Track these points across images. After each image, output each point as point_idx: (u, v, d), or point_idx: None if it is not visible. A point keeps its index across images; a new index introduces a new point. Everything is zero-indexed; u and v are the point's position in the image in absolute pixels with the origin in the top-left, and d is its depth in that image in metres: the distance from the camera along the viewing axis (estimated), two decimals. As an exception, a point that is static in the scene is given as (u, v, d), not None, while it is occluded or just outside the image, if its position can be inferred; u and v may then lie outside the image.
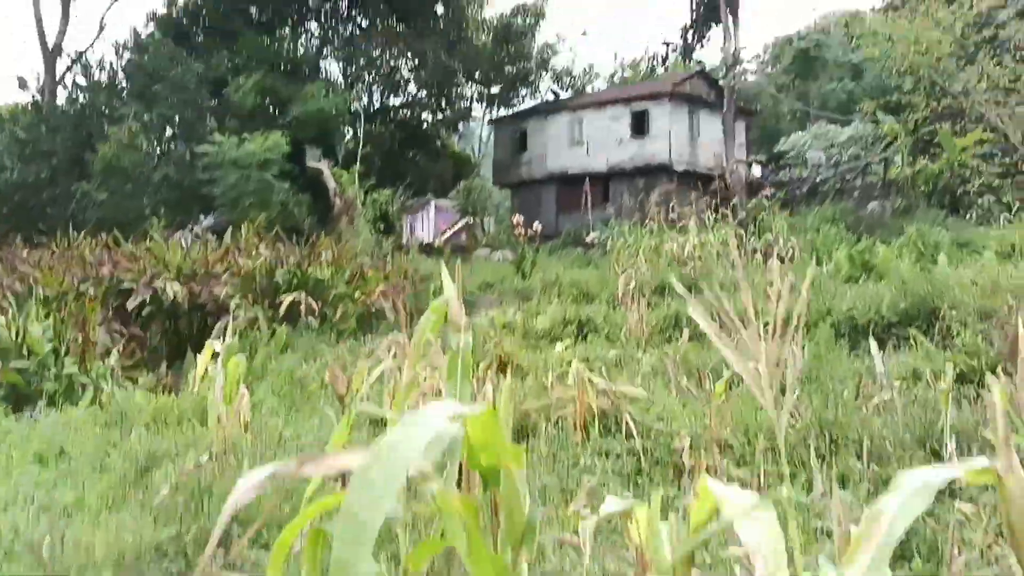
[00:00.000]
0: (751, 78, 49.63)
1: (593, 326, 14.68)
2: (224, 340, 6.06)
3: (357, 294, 14.20)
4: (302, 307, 13.48)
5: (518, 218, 20.91)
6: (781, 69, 43.16)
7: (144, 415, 8.86)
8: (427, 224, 52.33)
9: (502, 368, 12.76)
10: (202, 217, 30.17)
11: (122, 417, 8.81)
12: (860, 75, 33.92)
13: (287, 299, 13.44)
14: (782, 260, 19.89)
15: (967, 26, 13.67)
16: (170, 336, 13.48)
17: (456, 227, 49.54)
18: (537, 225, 21.09)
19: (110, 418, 8.82)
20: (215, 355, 6.29)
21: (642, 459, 7.07)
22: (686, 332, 14.20)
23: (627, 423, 7.53)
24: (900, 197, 29.59)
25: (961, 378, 9.03)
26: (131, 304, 12.50)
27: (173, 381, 11.52)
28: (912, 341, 11.62)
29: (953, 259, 19.50)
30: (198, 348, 6.70)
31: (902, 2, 14.44)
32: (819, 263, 20.88)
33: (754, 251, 20.26)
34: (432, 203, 50.29)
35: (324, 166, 21.88)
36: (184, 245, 16.48)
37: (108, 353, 10.85)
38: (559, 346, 12.71)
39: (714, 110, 35.20)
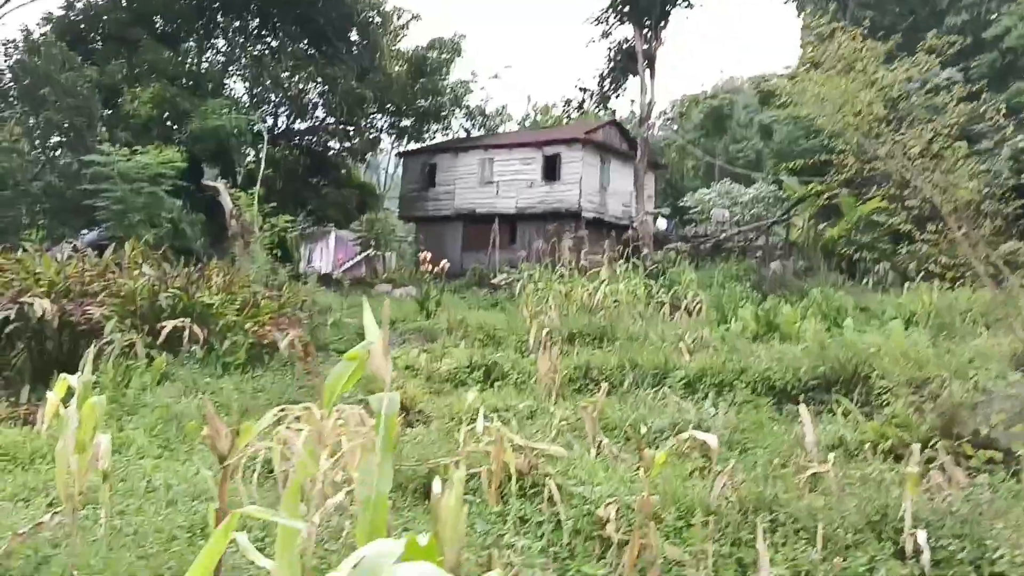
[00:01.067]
0: (659, 132, 50.46)
1: (501, 372, 13.92)
2: (82, 373, 5.03)
3: (249, 324, 13.06)
4: (186, 334, 12.29)
5: (425, 254, 20.09)
6: (692, 125, 43.89)
7: (-14, 452, 7.66)
8: (326, 254, 50.92)
9: (402, 412, 11.85)
10: (84, 232, 28.23)
11: (-43, 454, 7.60)
12: (769, 135, 34.58)
13: (169, 325, 12.23)
14: (689, 313, 19.67)
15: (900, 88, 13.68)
16: (35, 358, 12.08)
17: (356, 259, 48.25)
18: (444, 263, 20.29)
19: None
20: (72, 391, 5.26)
21: (564, 530, 6.32)
22: (598, 383, 13.72)
23: (546, 487, 6.78)
24: (802, 259, 30.10)
25: (889, 452, 8.66)
26: (-10, 321, 11.13)
27: (33, 410, 10.17)
28: (833, 407, 11.28)
29: (857, 324, 19.66)
30: (69, 371, 5.65)
31: (816, 65, 14.35)
32: (724, 319, 20.82)
33: (661, 303, 19.98)
34: (333, 233, 48.87)
35: (221, 185, 20.62)
36: (59, 259, 15.00)
37: (-46, 375, 9.51)
38: (470, 393, 11.90)
39: (625, 160, 35.31)
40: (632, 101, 36.77)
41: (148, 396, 10.56)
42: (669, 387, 12.47)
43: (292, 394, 11.96)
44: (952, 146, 12.88)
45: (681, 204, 43.18)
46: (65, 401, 5.12)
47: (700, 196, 44.07)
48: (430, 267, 19.92)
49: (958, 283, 24.38)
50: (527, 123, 50.55)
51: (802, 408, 8.36)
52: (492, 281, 25.07)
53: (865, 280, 31.23)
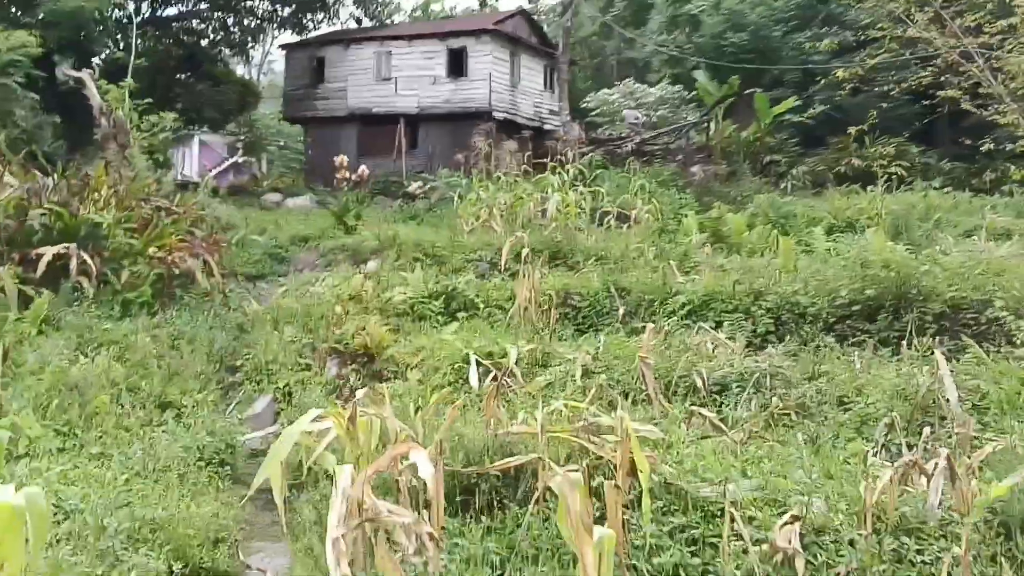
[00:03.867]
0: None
1: (465, 300, 11.68)
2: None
3: (152, 249, 10.26)
4: (72, 265, 9.47)
5: (342, 159, 17.32)
6: (611, 16, 41.45)
7: None
8: (190, 161, 46.46)
9: (367, 361, 9.53)
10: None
11: None
12: (697, 27, 32.62)
13: (48, 252, 9.40)
14: (638, 223, 17.86)
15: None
16: None
17: (224, 166, 44.08)
18: (363, 169, 17.59)
19: None
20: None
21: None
22: (581, 312, 11.69)
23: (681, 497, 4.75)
24: (725, 162, 28.66)
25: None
26: None
27: None
28: (884, 339, 9.57)
29: (817, 235, 18.27)
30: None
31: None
32: (663, 229, 19.10)
33: (606, 213, 18.07)
34: (196, 137, 44.46)
35: (86, 75, 17.09)
36: None
37: None
38: (445, 332, 9.65)
39: (535, 55, 32.68)
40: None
41: (29, 353, 7.84)
42: (674, 316, 10.63)
43: (225, 342, 9.44)
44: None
45: (583, 105, 41.03)
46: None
47: (603, 97, 42.01)
48: (348, 174, 17.21)
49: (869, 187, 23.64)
50: (422, 14, 46.76)
51: (938, 354, 6.56)
52: (407, 190, 22.44)
53: (784, 184, 30.21)
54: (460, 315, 11.30)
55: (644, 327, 10.50)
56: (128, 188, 11.54)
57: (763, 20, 30.71)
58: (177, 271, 10.21)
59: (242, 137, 37.35)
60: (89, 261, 9.50)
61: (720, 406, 7.07)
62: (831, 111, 34.15)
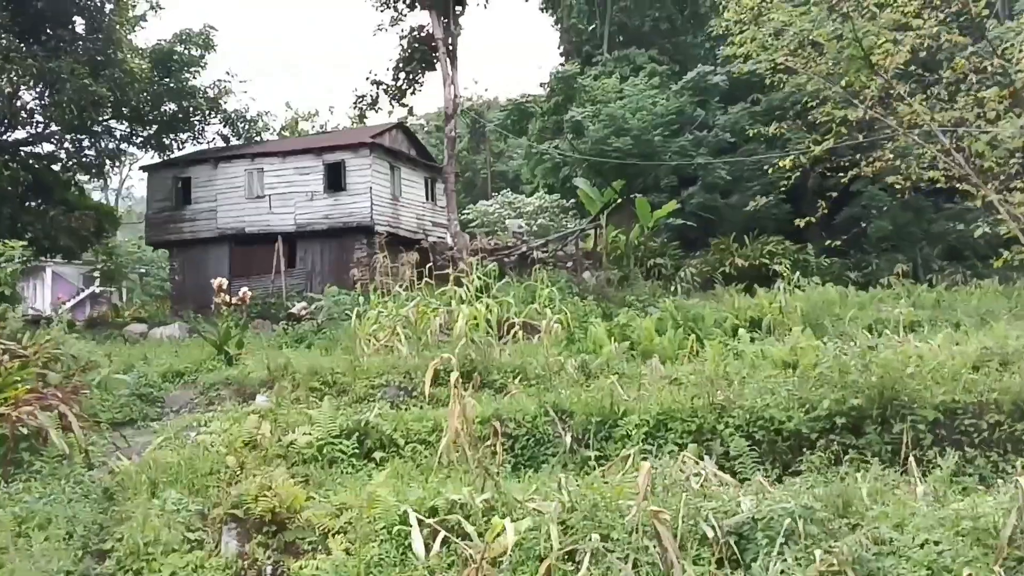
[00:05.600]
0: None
1: (381, 438, 9.97)
2: None
3: (-9, 404, 8.18)
4: None
5: (220, 281, 15.46)
6: (493, 126, 41.25)
7: None
8: (42, 293, 43.14)
9: (275, 532, 7.64)
10: None
11: None
12: (580, 133, 32.53)
13: None
14: (548, 333, 16.65)
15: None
16: None
17: (80, 297, 40.88)
18: (245, 290, 15.78)
19: None
20: None
21: None
22: (518, 442, 10.18)
23: None
24: (616, 268, 28.14)
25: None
26: None
27: None
28: (881, 454, 8.43)
29: (733, 337, 17.49)
30: None
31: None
32: (571, 339, 18.00)
33: (512, 325, 16.81)
34: (48, 269, 41.28)
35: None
36: None
37: None
38: (373, 483, 7.88)
39: (415, 167, 31.79)
40: (408, 110, 33.22)
41: None
42: (628, 440, 9.27)
43: (89, 517, 7.37)
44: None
45: (461, 217, 40.45)
46: None
47: (482, 208, 41.62)
48: (226, 297, 15.35)
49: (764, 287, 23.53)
50: (290, 134, 45.43)
51: (1021, 481, 5.37)
52: (290, 311, 20.58)
53: (672, 287, 29.91)
54: (377, 455, 9.60)
55: (594, 458, 9.14)
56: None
57: (644, 125, 30.96)
58: (24, 430, 8.16)
59: (99, 266, 34.52)
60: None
61: (749, 567, 5.64)
62: (705, 213, 34.70)
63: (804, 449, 8.39)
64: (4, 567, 5.87)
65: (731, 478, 7.12)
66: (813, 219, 12.45)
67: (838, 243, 19.42)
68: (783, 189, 16.58)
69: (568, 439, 9.37)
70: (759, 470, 8.03)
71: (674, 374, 11.89)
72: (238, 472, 8.52)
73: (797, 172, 11.25)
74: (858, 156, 12.45)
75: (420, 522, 6.69)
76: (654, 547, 5.88)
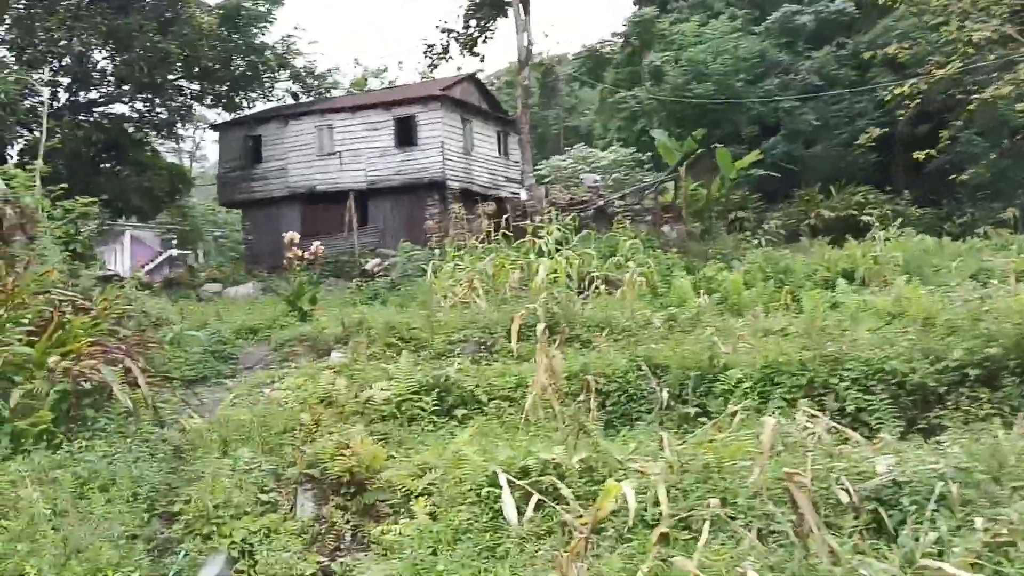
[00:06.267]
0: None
1: (462, 394, 9.33)
2: None
3: (54, 358, 7.72)
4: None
5: (292, 235, 14.98)
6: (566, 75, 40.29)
7: None
8: (121, 258, 43.84)
9: (351, 492, 7.04)
10: None
11: None
12: (660, 78, 31.31)
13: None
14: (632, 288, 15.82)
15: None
16: None
17: (159, 260, 41.31)
18: (318, 245, 15.29)
19: None
20: None
21: None
22: (610, 398, 9.43)
23: None
24: (697, 221, 27.04)
25: None
26: None
27: None
28: (1013, 408, 7.53)
29: (836, 289, 16.50)
30: None
31: None
32: (655, 293, 17.16)
33: (592, 280, 16.04)
34: (127, 233, 41.78)
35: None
36: None
37: None
38: (458, 440, 7.24)
39: (487, 120, 30.95)
40: (480, 59, 32.21)
41: None
42: (731, 396, 8.44)
43: (156, 478, 6.87)
44: None
45: (535, 171, 39.64)
46: None
47: (556, 163, 40.68)
48: (299, 254, 14.87)
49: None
50: (359, 91, 44.96)
51: None
52: (364, 268, 20.11)
53: (756, 240, 28.68)
54: (458, 412, 8.96)
55: (693, 415, 8.36)
56: (17, 280, 8.98)
57: (726, 69, 29.55)
58: (87, 385, 7.71)
59: (175, 227, 34.68)
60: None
61: (895, 532, 4.82)
62: (788, 164, 33.27)
63: (931, 404, 7.52)
64: (60, 532, 5.35)
65: (860, 436, 6.23)
66: (920, 157, 11.31)
67: (930, 193, 18.17)
68: (900, 117, 15.31)
69: (664, 395, 8.57)
70: (882, 427, 7.19)
71: (772, 327, 10.97)
72: (313, 430, 7.97)
73: (917, 99, 10.15)
74: (958, 95, 11.36)
75: (511, 484, 5.99)
76: (781, 514, 5.09)
